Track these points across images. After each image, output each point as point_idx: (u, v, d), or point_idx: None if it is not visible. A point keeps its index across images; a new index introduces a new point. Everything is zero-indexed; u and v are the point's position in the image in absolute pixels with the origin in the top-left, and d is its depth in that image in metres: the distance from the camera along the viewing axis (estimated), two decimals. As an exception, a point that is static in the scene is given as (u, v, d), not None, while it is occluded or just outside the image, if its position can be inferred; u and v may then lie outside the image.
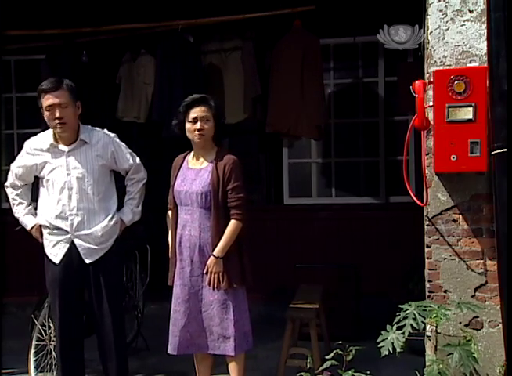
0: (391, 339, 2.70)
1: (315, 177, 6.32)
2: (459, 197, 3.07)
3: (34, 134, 3.69)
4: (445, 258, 3.10)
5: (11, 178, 3.62)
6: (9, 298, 5.07)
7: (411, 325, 2.68)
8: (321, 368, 2.87)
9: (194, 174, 3.41)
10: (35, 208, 3.62)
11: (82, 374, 3.65)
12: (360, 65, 6.19)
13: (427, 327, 3.02)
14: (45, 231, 3.52)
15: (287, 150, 6.30)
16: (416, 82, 3.01)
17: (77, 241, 3.45)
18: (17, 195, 3.61)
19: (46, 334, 3.84)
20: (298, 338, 4.18)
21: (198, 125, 3.35)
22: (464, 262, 3.07)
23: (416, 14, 3.57)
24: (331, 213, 6.00)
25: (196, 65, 5.34)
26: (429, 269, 3.14)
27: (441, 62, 3.11)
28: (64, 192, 3.46)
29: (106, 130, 3.64)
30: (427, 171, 3.13)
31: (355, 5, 5.47)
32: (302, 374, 2.92)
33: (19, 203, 3.61)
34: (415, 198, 3.17)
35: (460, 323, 3.05)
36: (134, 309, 4.77)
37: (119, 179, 3.73)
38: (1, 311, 4.48)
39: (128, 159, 3.62)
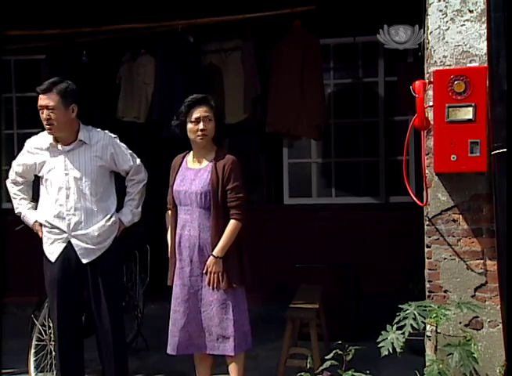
0: (391, 339, 2.70)
1: (315, 177, 6.32)
2: (459, 197, 3.07)
3: (34, 134, 3.70)
4: (445, 258, 3.10)
5: (12, 175, 3.65)
6: (9, 298, 5.06)
7: (411, 325, 2.68)
8: (321, 368, 2.87)
9: (193, 174, 3.41)
10: (36, 208, 3.63)
11: (82, 374, 3.65)
12: (360, 65, 6.19)
13: (427, 327, 3.02)
14: (44, 230, 3.53)
15: (287, 150, 6.30)
16: (416, 82, 3.01)
17: (74, 241, 3.46)
18: (19, 190, 3.64)
19: (46, 334, 3.84)
20: (298, 338, 4.18)
21: (201, 125, 3.34)
22: (464, 262, 3.07)
23: (416, 14, 3.57)
24: (331, 213, 6.00)
25: (196, 65, 5.34)
26: (429, 269, 3.14)
27: (441, 62, 3.11)
28: (62, 192, 3.47)
29: (107, 131, 3.65)
30: (427, 171, 3.13)
31: (355, 5, 5.47)
32: (302, 374, 2.92)
33: (22, 198, 3.64)
34: (415, 198, 3.17)
35: (460, 323, 3.05)
36: (134, 309, 4.77)
37: (119, 180, 3.73)
38: (1, 311, 4.48)
39: (128, 160, 3.62)
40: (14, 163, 3.64)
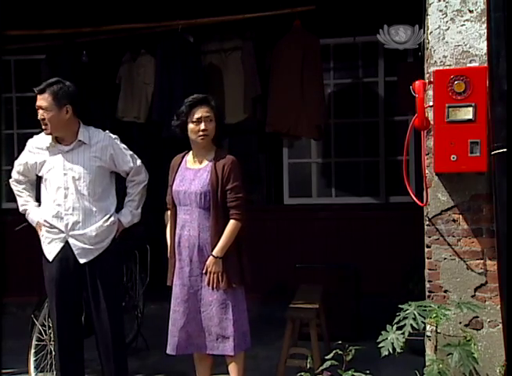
0: (391, 339, 2.70)
1: (315, 177, 6.32)
2: (459, 197, 3.07)
3: (34, 134, 3.71)
4: (445, 258, 3.10)
5: (14, 174, 3.67)
6: (9, 298, 5.07)
7: (411, 325, 2.68)
8: (321, 368, 2.87)
9: (193, 174, 3.41)
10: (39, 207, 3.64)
11: (82, 374, 3.65)
12: (360, 65, 6.19)
13: (427, 327, 3.02)
14: (43, 229, 3.54)
15: (287, 150, 6.31)
16: (416, 82, 3.01)
17: (71, 241, 3.46)
18: (24, 189, 3.67)
19: (46, 334, 3.84)
20: (298, 338, 4.18)
21: (202, 126, 3.34)
22: (464, 262, 3.07)
23: (416, 14, 3.57)
24: (331, 213, 6.00)
25: (196, 65, 5.34)
26: (429, 269, 3.14)
27: (441, 62, 3.11)
28: (60, 191, 3.48)
29: (107, 131, 3.65)
30: (427, 171, 3.12)
31: (355, 5, 5.47)
32: (302, 374, 2.92)
33: (28, 195, 3.66)
34: (415, 198, 3.17)
35: (460, 323, 3.05)
36: (134, 309, 4.77)
37: (120, 181, 3.73)
38: (1, 311, 4.49)
39: (128, 161, 3.62)
40: (16, 162, 3.67)
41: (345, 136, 6.36)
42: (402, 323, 2.72)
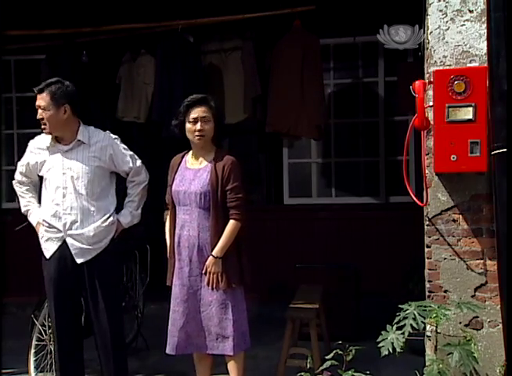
0: (391, 339, 2.70)
1: (315, 177, 6.32)
2: (459, 197, 3.07)
3: (34, 134, 3.71)
4: (445, 258, 3.10)
5: (17, 175, 3.68)
6: (9, 298, 5.07)
7: (411, 325, 2.68)
8: (321, 368, 2.87)
9: (193, 174, 3.41)
10: None
11: (82, 374, 3.65)
12: (360, 65, 6.19)
13: (427, 327, 3.02)
14: (42, 228, 3.54)
15: (287, 150, 6.31)
16: (416, 82, 3.01)
17: (69, 240, 3.46)
18: (27, 190, 3.68)
19: (46, 334, 3.84)
20: (298, 338, 4.18)
21: (198, 126, 3.35)
22: (464, 262, 3.07)
23: (416, 14, 3.57)
24: (331, 213, 6.00)
25: (196, 65, 5.34)
26: (429, 269, 3.14)
27: (441, 62, 3.11)
28: (59, 191, 3.48)
29: (108, 132, 3.65)
30: (427, 171, 3.12)
31: (355, 5, 5.47)
32: (302, 374, 2.92)
33: (32, 196, 3.67)
34: (415, 198, 3.17)
35: (460, 323, 3.05)
36: (134, 309, 4.77)
37: (121, 181, 3.73)
38: (1, 311, 4.48)
39: (128, 162, 3.62)
40: (19, 164, 3.69)
41: (345, 136, 6.37)
42: (402, 323, 2.72)
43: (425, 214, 3.17)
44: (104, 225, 3.50)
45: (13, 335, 4.19)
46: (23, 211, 3.66)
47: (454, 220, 3.09)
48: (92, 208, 3.49)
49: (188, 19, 5.14)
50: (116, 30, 5.23)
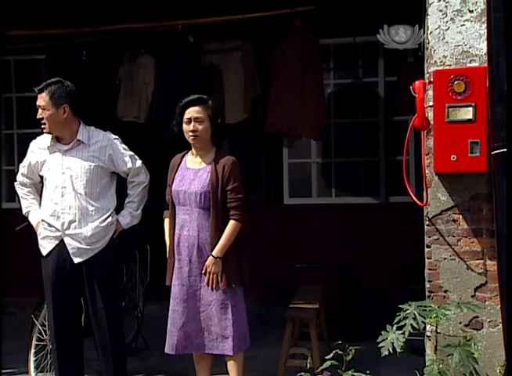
0: (391, 339, 2.70)
1: (315, 177, 6.31)
2: (459, 197, 3.07)
3: (34, 134, 3.72)
4: (445, 258, 3.10)
5: (19, 176, 3.69)
6: (9, 298, 5.07)
7: (411, 325, 2.68)
8: (321, 368, 2.87)
9: (193, 174, 3.41)
10: None
11: (82, 374, 3.64)
12: (360, 65, 6.19)
13: (427, 327, 3.02)
14: (40, 226, 3.54)
15: (287, 150, 6.30)
16: (416, 82, 3.01)
17: (67, 240, 3.46)
18: (29, 192, 3.68)
19: (46, 334, 3.84)
20: (298, 338, 4.18)
21: (191, 126, 3.36)
22: (464, 262, 3.07)
23: (416, 14, 3.58)
24: (331, 213, 5.99)
25: (196, 65, 5.33)
26: (429, 269, 3.14)
27: (441, 62, 3.11)
28: (57, 190, 3.48)
29: (108, 132, 3.65)
30: (427, 171, 3.12)
31: (355, 5, 5.47)
32: (302, 374, 2.92)
33: (33, 198, 3.67)
34: (415, 198, 3.17)
35: (460, 323, 3.05)
36: (134, 309, 4.77)
37: (122, 181, 3.73)
38: (1, 311, 4.48)
39: (127, 162, 3.61)
40: (20, 165, 3.70)
41: (345, 136, 6.36)
42: (402, 323, 2.72)
43: (425, 214, 3.17)
44: (102, 225, 3.50)
45: (13, 335, 4.19)
46: (24, 212, 3.66)
47: (454, 220, 3.09)
48: (91, 208, 3.48)
49: (188, 19, 5.14)
50: (116, 30, 5.23)
